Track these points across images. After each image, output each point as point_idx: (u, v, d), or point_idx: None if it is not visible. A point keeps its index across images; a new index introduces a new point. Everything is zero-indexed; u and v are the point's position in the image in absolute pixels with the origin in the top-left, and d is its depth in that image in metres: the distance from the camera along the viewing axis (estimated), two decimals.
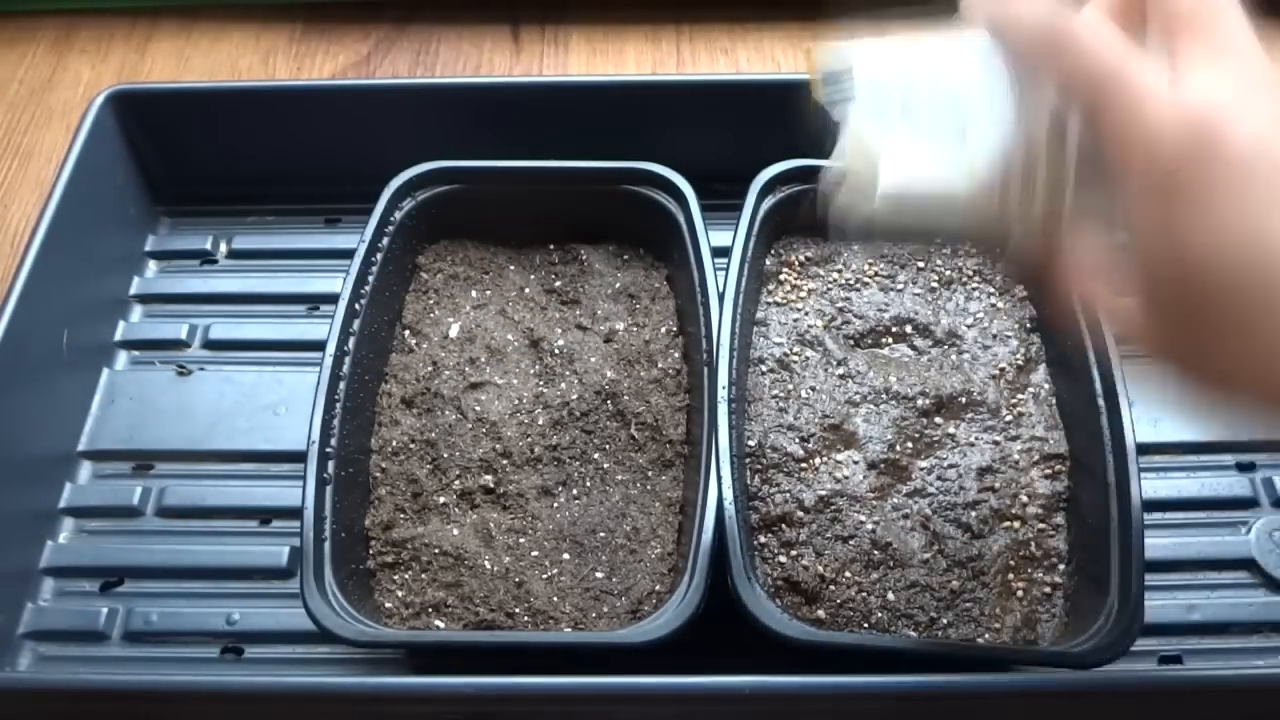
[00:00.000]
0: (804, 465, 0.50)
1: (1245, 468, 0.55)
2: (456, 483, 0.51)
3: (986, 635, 0.47)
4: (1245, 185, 0.29)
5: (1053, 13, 0.33)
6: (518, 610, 0.47)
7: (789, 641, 0.43)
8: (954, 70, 0.35)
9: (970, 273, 0.57)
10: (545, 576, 0.49)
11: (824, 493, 0.49)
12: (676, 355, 0.55)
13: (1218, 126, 0.29)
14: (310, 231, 0.65)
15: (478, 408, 0.53)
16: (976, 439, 0.52)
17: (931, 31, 0.36)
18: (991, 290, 0.56)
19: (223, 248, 0.65)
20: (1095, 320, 0.48)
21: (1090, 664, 0.43)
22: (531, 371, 0.55)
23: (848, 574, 0.48)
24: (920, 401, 0.52)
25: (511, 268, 0.60)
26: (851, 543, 0.48)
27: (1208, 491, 0.54)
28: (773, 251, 0.57)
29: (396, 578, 0.49)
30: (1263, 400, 0.32)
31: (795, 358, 0.54)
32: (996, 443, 0.51)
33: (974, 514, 0.49)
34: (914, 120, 0.36)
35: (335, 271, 0.59)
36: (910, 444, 0.51)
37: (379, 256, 0.55)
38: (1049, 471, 0.51)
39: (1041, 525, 0.49)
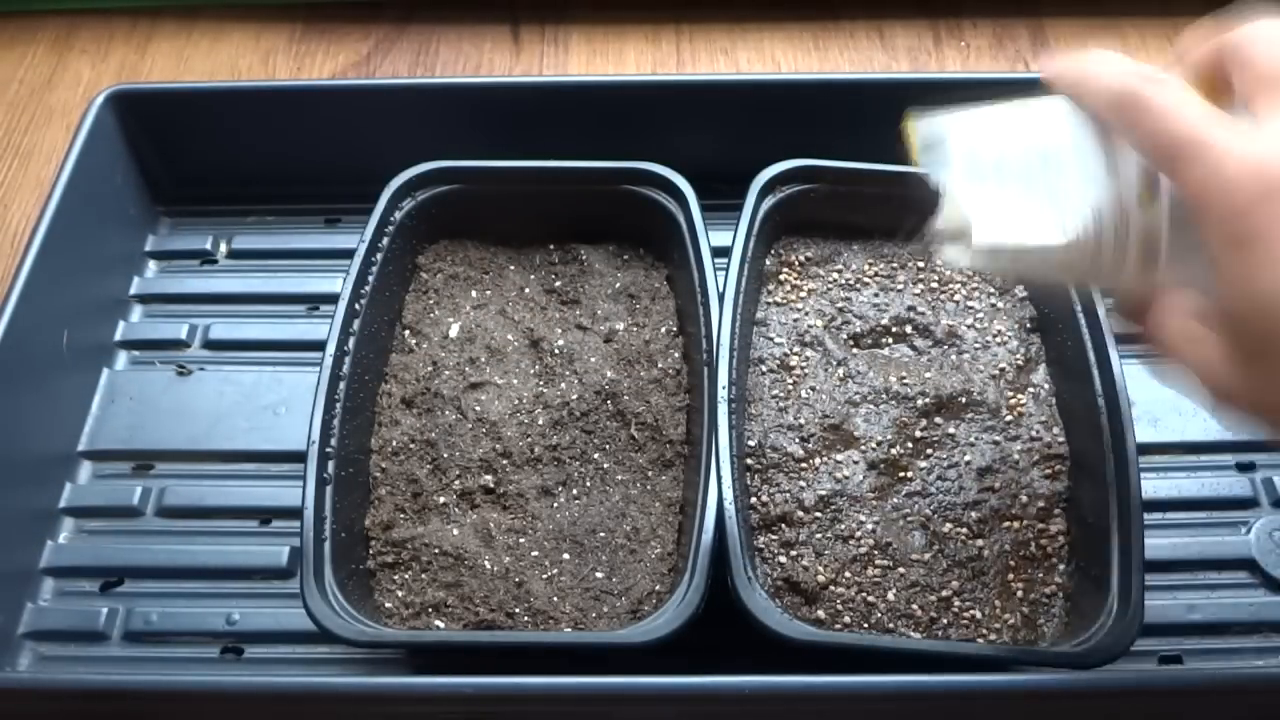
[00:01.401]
0: (804, 465, 0.50)
1: (1245, 468, 0.55)
2: (456, 483, 0.51)
3: (987, 635, 0.47)
4: None
5: (1131, 74, 0.34)
6: (518, 610, 0.47)
7: (789, 641, 0.43)
8: (1044, 133, 0.38)
9: (970, 273, 0.57)
10: (545, 576, 0.49)
11: (824, 493, 0.49)
12: (676, 355, 0.55)
13: None
14: (310, 231, 0.65)
15: (478, 408, 0.53)
16: (976, 439, 0.52)
17: (1021, 99, 0.39)
18: (991, 290, 0.56)
19: (223, 248, 0.65)
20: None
21: (1090, 664, 0.43)
22: (531, 371, 0.55)
23: (848, 574, 0.48)
24: (920, 401, 0.52)
25: (511, 268, 0.60)
26: (851, 543, 0.48)
27: (1208, 491, 0.54)
28: (773, 251, 0.57)
29: (396, 578, 0.49)
30: None
31: (795, 358, 0.54)
32: (996, 443, 0.51)
33: (974, 514, 0.49)
34: (1006, 180, 0.38)
35: (335, 271, 0.59)
36: (910, 444, 0.51)
37: (379, 256, 0.55)
38: (1049, 471, 0.51)
39: (1041, 525, 0.49)
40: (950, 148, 0.39)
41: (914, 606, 0.47)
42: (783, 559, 0.48)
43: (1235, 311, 0.33)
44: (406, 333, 0.56)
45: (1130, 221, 0.36)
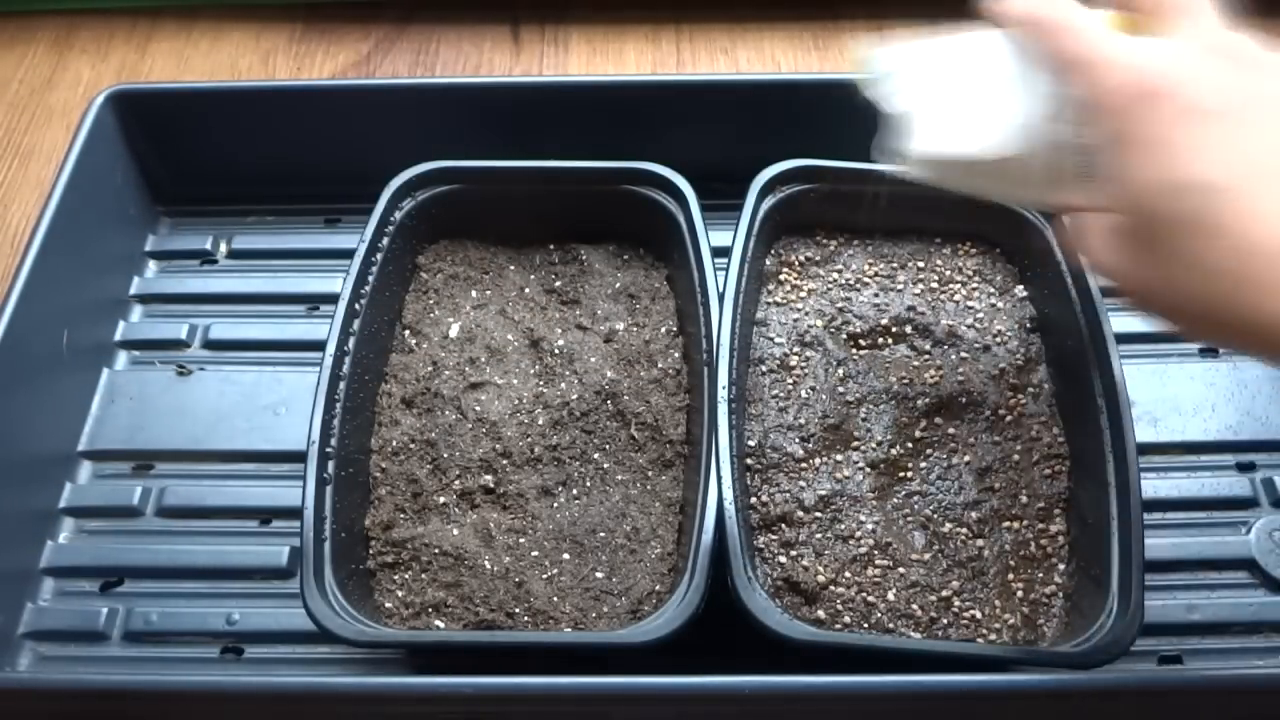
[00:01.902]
0: (804, 465, 0.50)
1: (1245, 468, 0.55)
2: (456, 483, 0.51)
3: (987, 635, 0.47)
4: (1175, 129, 0.34)
5: (1044, 2, 0.39)
6: (518, 610, 0.47)
7: (789, 641, 0.43)
8: (985, 59, 0.42)
9: (970, 273, 0.57)
10: (545, 576, 0.49)
11: (824, 493, 0.49)
12: (676, 355, 0.55)
13: (1153, 79, 0.35)
14: (310, 231, 0.65)
15: (478, 408, 0.53)
16: (976, 439, 0.52)
17: (959, 30, 0.43)
18: (991, 290, 0.56)
19: (223, 248, 0.65)
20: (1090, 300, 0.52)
21: (1090, 664, 0.43)
22: (531, 371, 0.55)
23: (848, 574, 0.48)
24: (920, 401, 0.52)
25: (511, 268, 0.60)
26: (851, 543, 0.48)
27: (1208, 491, 0.54)
28: (773, 251, 0.57)
29: (396, 578, 0.49)
30: (1215, 329, 0.36)
31: (795, 358, 0.54)
32: (996, 443, 0.51)
33: (974, 514, 0.49)
34: (950, 99, 0.42)
35: (335, 271, 0.59)
36: (910, 444, 0.51)
37: (379, 256, 0.55)
38: (1049, 471, 0.51)
39: (1041, 525, 0.49)
40: (899, 73, 0.43)
41: (914, 606, 0.47)
42: (783, 559, 0.48)
43: (1120, 206, 0.37)
44: (406, 333, 0.56)
45: (1052, 135, 0.40)
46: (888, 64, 0.44)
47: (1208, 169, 0.34)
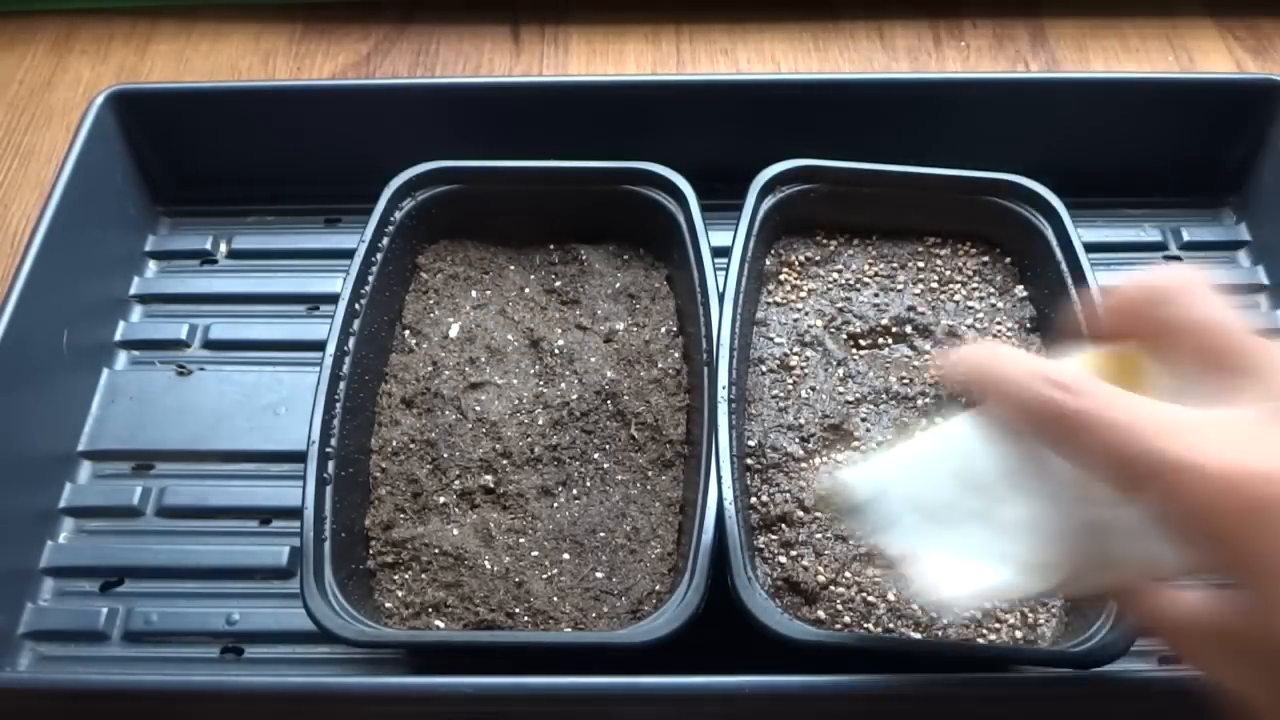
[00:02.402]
0: (804, 465, 0.50)
1: None
2: (456, 483, 0.51)
3: (986, 635, 0.47)
4: None
5: (1044, 385, 0.30)
6: (518, 610, 0.47)
7: (789, 641, 0.43)
8: (970, 459, 0.35)
9: (970, 273, 0.57)
10: (545, 576, 0.49)
11: (824, 493, 0.49)
12: (676, 355, 0.55)
13: (1265, 485, 0.26)
14: (310, 231, 0.65)
15: (478, 408, 0.53)
16: None
17: (933, 426, 0.37)
18: (991, 290, 0.56)
19: (223, 248, 0.65)
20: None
21: (1090, 664, 0.43)
22: (531, 371, 0.55)
23: (848, 574, 0.48)
24: (920, 401, 0.52)
25: (511, 268, 0.60)
26: (851, 542, 0.48)
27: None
28: (773, 251, 0.57)
29: (396, 578, 0.49)
30: None
31: (795, 358, 0.54)
32: None
33: None
34: (952, 521, 0.35)
35: (335, 271, 0.59)
36: None
37: (379, 256, 0.55)
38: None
39: None
40: (881, 504, 0.36)
41: (914, 606, 0.47)
42: (783, 559, 0.48)
43: (1259, 653, 0.28)
44: (406, 333, 0.56)
45: (1080, 526, 0.33)
46: (863, 489, 0.36)
47: None
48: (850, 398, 0.52)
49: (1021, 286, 0.56)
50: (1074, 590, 0.37)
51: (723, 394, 0.49)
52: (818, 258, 0.57)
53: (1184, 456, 0.27)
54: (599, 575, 0.49)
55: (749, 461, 0.50)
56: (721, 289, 0.52)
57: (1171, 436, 0.27)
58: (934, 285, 0.56)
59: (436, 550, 0.49)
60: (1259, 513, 0.26)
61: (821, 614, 0.47)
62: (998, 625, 0.47)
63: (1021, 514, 0.34)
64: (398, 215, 0.57)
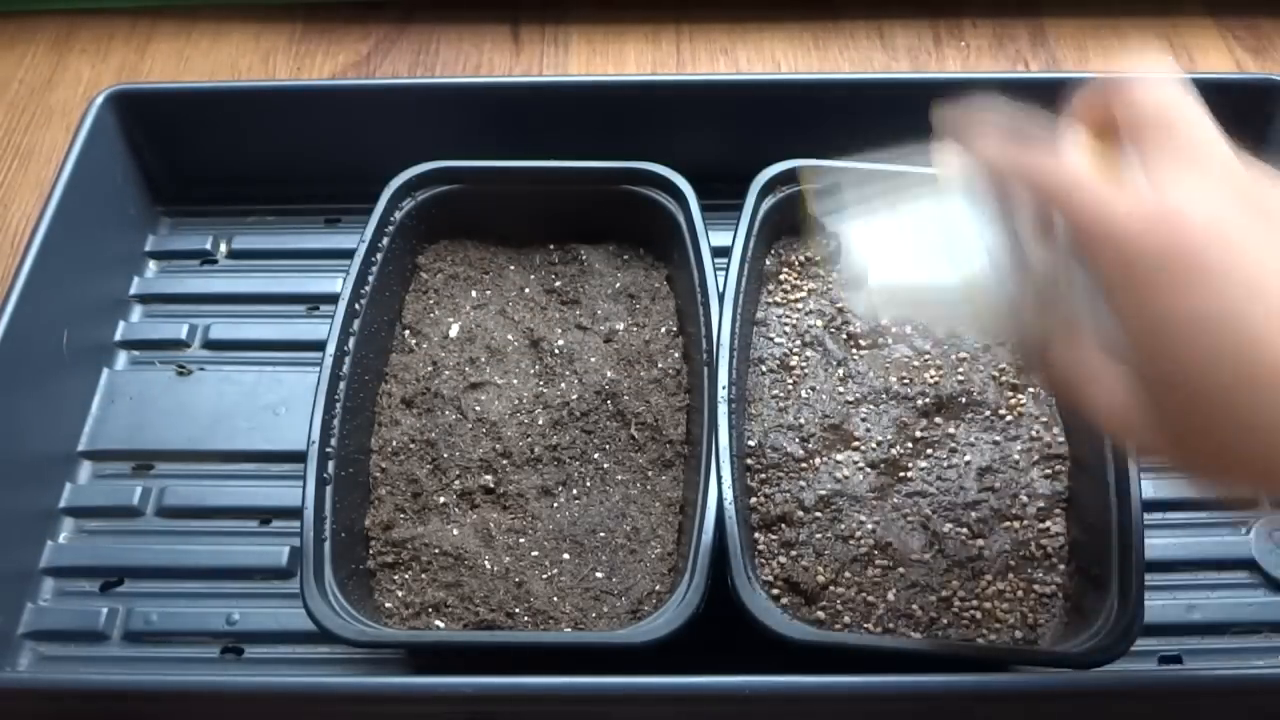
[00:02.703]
0: (804, 465, 0.50)
1: None
2: (456, 483, 0.51)
3: (987, 635, 0.47)
4: (1203, 276, 0.30)
5: (1019, 137, 0.35)
6: (518, 610, 0.47)
7: (789, 641, 0.43)
8: (936, 189, 0.39)
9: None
10: (545, 576, 0.49)
11: (824, 493, 0.49)
12: (676, 355, 0.55)
13: (1175, 221, 0.31)
14: (310, 231, 0.65)
15: (478, 408, 0.53)
16: (976, 439, 0.52)
17: (907, 157, 0.41)
18: None
19: (223, 248, 0.65)
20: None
21: (1090, 664, 0.43)
22: (531, 371, 0.55)
23: (848, 574, 0.48)
24: (920, 401, 0.52)
25: (511, 268, 0.60)
26: (851, 543, 0.48)
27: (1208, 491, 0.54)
28: (773, 251, 0.57)
29: (396, 578, 0.49)
30: (1256, 481, 0.32)
31: (795, 358, 0.54)
32: (996, 443, 0.51)
33: (974, 514, 0.49)
34: (902, 229, 0.40)
35: (335, 271, 0.59)
36: (910, 444, 0.51)
37: (379, 256, 0.55)
38: (1049, 471, 0.51)
39: (1041, 525, 0.49)
40: (847, 200, 0.40)
41: (914, 606, 0.47)
42: (783, 559, 0.48)
43: (1138, 363, 0.33)
44: (406, 333, 0.56)
45: (1023, 264, 0.36)
46: (833, 187, 0.41)
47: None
48: (850, 398, 0.52)
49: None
50: (990, 323, 0.41)
51: (723, 394, 0.49)
52: (818, 258, 0.57)
53: (1110, 189, 0.32)
54: (599, 575, 0.49)
55: (749, 461, 0.50)
56: (721, 289, 0.52)
57: (1104, 178, 0.33)
58: None
59: (436, 550, 0.49)
60: (1157, 238, 0.31)
61: (821, 614, 0.47)
62: (998, 625, 0.47)
63: (968, 234, 0.38)
64: (398, 215, 0.57)
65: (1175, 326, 0.30)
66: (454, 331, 0.56)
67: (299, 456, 0.49)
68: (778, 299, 0.56)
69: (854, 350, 0.54)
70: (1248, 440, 0.30)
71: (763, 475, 0.50)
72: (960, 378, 0.53)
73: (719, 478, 0.46)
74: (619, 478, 0.52)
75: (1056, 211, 0.34)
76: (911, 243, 0.40)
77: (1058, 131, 0.36)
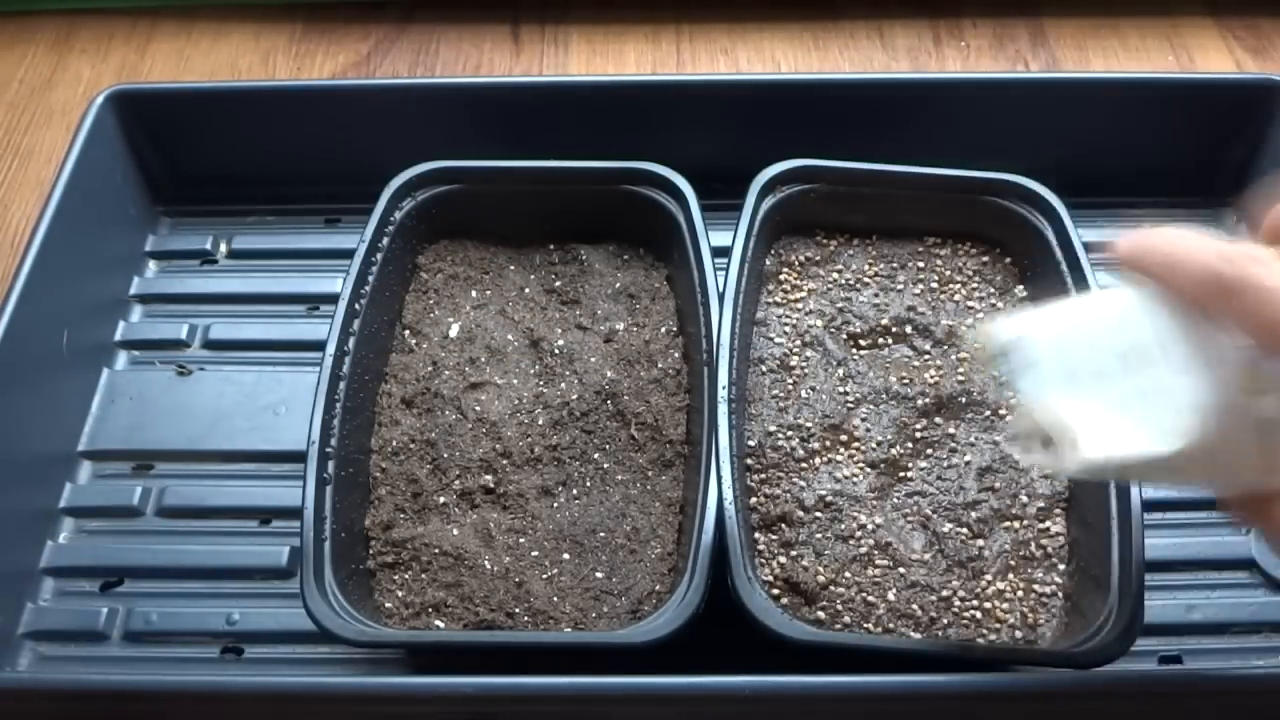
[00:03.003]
0: (804, 465, 0.50)
1: None
2: (456, 483, 0.51)
3: (987, 635, 0.47)
4: None
5: (1225, 251, 0.31)
6: (518, 610, 0.47)
7: (789, 641, 0.43)
8: (1127, 326, 0.34)
9: (970, 273, 0.57)
10: (545, 576, 0.49)
11: (824, 493, 0.49)
12: (676, 355, 0.55)
13: None
14: (310, 231, 0.65)
15: (478, 408, 0.53)
16: (976, 439, 0.52)
17: (1093, 293, 0.37)
18: (991, 290, 0.56)
19: (223, 248, 0.65)
20: None
21: (1090, 664, 0.43)
22: (531, 371, 0.55)
23: (848, 574, 0.48)
24: (920, 401, 0.52)
25: (511, 268, 0.60)
26: (851, 542, 0.48)
27: (1207, 491, 0.54)
28: (773, 251, 0.57)
29: (396, 578, 0.49)
30: None
31: (795, 358, 0.54)
32: (996, 443, 0.51)
33: (974, 514, 0.49)
34: (1098, 382, 0.35)
35: (335, 271, 0.59)
36: (910, 444, 0.51)
37: (379, 256, 0.55)
38: (1049, 471, 0.51)
39: (1041, 525, 0.49)
40: (1029, 350, 0.36)
41: (914, 606, 0.47)
42: (783, 559, 0.48)
43: None
44: (406, 333, 0.56)
45: (1241, 414, 0.32)
46: (1012, 336, 0.37)
47: None
48: (850, 398, 0.52)
49: (1021, 286, 0.56)
50: (1216, 479, 0.36)
51: (723, 394, 0.49)
52: (818, 258, 0.57)
53: None
54: (599, 575, 0.49)
55: (749, 461, 0.50)
56: (721, 289, 0.52)
57: None
58: (934, 285, 0.56)
59: (436, 550, 0.49)
60: None
61: (821, 614, 0.47)
62: (998, 625, 0.47)
63: (1175, 384, 0.33)
64: (398, 215, 0.57)
65: None
66: (454, 331, 0.56)
67: (299, 456, 0.49)
68: (778, 299, 0.56)
69: (854, 350, 0.54)
70: None
71: (763, 475, 0.50)
72: (960, 378, 0.53)
73: (719, 478, 0.46)
74: (619, 478, 0.52)
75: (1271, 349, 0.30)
76: (1109, 390, 0.34)
77: (1247, 247, 0.31)
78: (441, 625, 0.47)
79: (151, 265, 0.65)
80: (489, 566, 0.48)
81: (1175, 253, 0.32)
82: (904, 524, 0.49)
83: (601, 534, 0.50)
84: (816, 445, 0.51)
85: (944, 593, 0.47)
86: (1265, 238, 0.33)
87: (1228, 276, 0.30)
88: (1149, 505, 0.49)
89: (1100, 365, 0.34)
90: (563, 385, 0.54)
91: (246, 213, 0.66)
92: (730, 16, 0.77)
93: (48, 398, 0.56)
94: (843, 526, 0.49)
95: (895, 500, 0.50)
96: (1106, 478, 0.37)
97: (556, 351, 0.55)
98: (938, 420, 0.52)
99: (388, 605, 0.48)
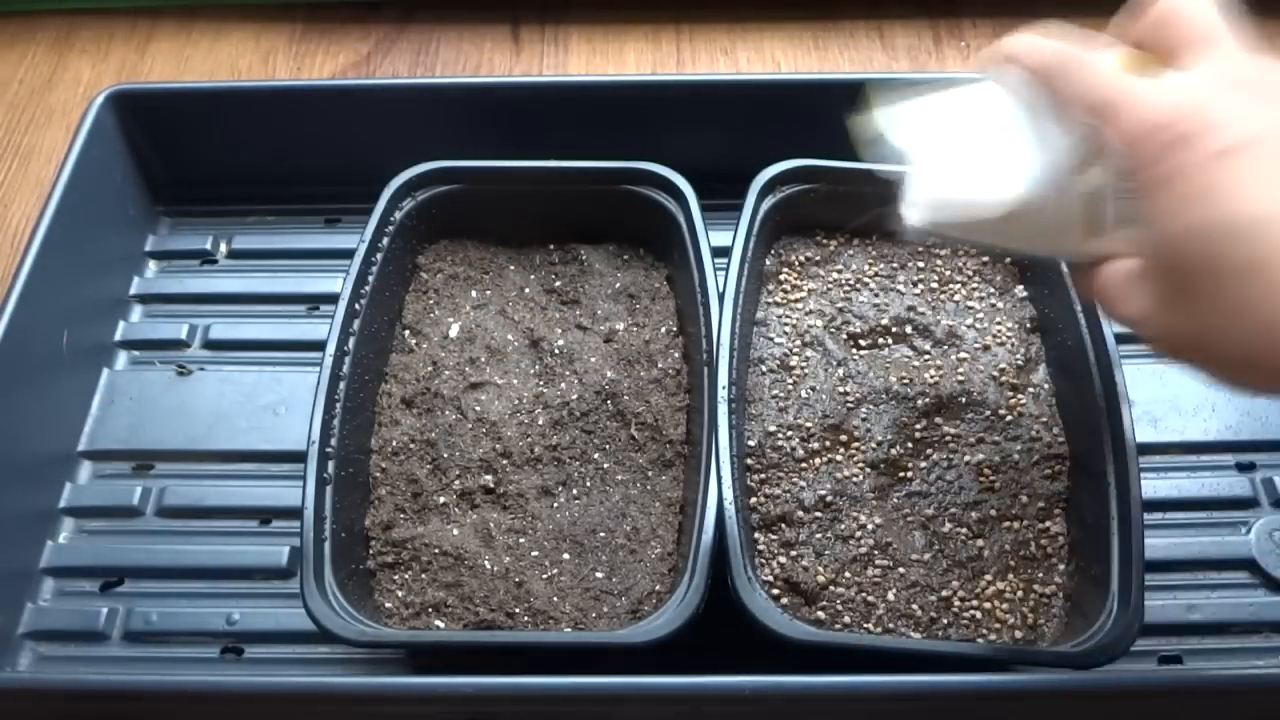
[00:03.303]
0: (804, 465, 0.50)
1: (1245, 468, 0.55)
2: (456, 483, 0.51)
3: (987, 635, 0.47)
4: (1210, 168, 0.32)
5: (1057, 48, 0.38)
6: (518, 610, 0.47)
7: (789, 641, 0.43)
8: (983, 112, 0.40)
9: (970, 273, 0.57)
10: (545, 576, 0.49)
11: (824, 493, 0.49)
12: (676, 355, 0.55)
13: (1183, 119, 0.33)
14: (310, 231, 0.65)
15: (478, 408, 0.53)
16: (976, 439, 0.52)
17: (954, 85, 0.42)
18: (991, 290, 0.56)
19: (223, 248, 0.65)
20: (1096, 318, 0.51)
21: (1090, 664, 0.43)
22: (531, 371, 0.55)
23: (848, 574, 0.48)
24: (920, 401, 0.52)
25: (511, 268, 0.60)
26: (851, 543, 0.48)
27: (1208, 491, 0.54)
28: (773, 251, 0.57)
29: (396, 578, 0.49)
30: (1262, 375, 0.34)
31: (795, 358, 0.54)
32: (996, 443, 0.51)
33: (974, 514, 0.49)
34: (952, 154, 0.41)
35: (335, 271, 0.59)
36: (910, 444, 0.51)
37: (379, 256, 0.55)
38: (1049, 471, 0.51)
39: (1041, 525, 0.49)
40: (896, 134, 0.42)
41: (914, 606, 0.47)
42: (783, 559, 0.48)
43: (1150, 252, 0.35)
44: (406, 333, 0.56)
45: (1072, 184, 0.38)
46: (887, 120, 0.42)
47: (1245, 206, 0.31)
48: (850, 398, 0.52)
49: (1021, 286, 0.56)
50: (1039, 244, 0.42)
51: (723, 394, 0.49)
52: (818, 258, 0.57)
53: (1134, 94, 0.35)
54: (599, 575, 0.49)
55: (749, 461, 0.50)
56: (721, 289, 0.52)
57: (1131, 85, 0.35)
58: (934, 285, 0.56)
59: (436, 550, 0.49)
60: (1178, 138, 0.33)
61: (821, 614, 0.47)
62: (998, 625, 0.47)
63: (1014, 158, 0.39)
64: (398, 215, 0.57)
65: (1184, 213, 0.33)
66: (454, 331, 0.56)
67: (299, 456, 0.49)
68: (778, 299, 0.56)
69: (854, 350, 0.54)
70: (1248, 330, 0.32)
71: (763, 475, 0.50)
72: (960, 378, 0.53)
73: (719, 478, 0.46)
74: (619, 478, 0.52)
75: (1093, 113, 0.36)
76: (964, 154, 0.41)
77: (1097, 46, 0.38)
78: (441, 625, 0.47)
79: (151, 265, 0.65)
80: (489, 566, 0.48)
81: (1029, 49, 0.39)
82: (904, 524, 0.49)
83: (601, 534, 0.50)
84: (816, 445, 0.51)
85: (944, 593, 0.47)
86: (1126, 45, 0.38)
87: (1053, 64, 0.37)
88: (1149, 505, 0.50)
89: (955, 141, 0.41)
90: (563, 385, 0.54)
91: (246, 213, 0.66)
92: (730, 16, 0.77)
93: (48, 398, 0.56)
94: (843, 526, 0.49)
95: (895, 500, 0.50)
96: (948, 232, 0.42)
97: (556, 351, 0.55)
98: (938, 420, 0.52)
99: (388, 605, 0.48)
